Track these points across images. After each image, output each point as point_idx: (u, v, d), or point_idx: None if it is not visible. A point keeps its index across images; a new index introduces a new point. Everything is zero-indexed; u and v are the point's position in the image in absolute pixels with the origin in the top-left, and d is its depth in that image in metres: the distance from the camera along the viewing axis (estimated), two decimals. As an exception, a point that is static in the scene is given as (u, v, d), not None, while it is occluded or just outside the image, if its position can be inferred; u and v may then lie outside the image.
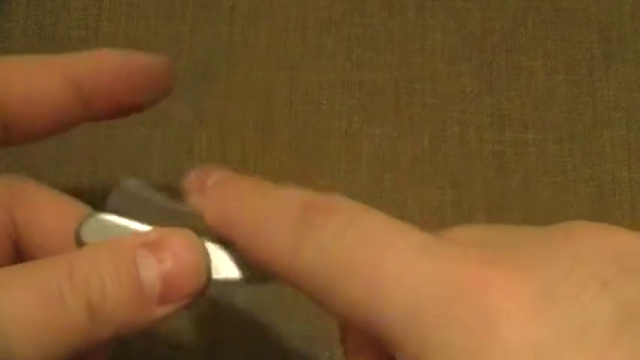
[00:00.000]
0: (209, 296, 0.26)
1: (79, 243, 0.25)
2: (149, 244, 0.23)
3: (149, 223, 0.25)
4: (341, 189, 0.33)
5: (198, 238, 0.24)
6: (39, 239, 0.26)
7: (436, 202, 0.35)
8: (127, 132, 0.35)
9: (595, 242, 0.20)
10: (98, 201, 0.27)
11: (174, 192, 0.26)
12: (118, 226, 0.25)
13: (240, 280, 0.25)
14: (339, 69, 0.38)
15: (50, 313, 0.22)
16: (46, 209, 0.27)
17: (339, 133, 0.37)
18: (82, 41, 0.39)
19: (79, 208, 0.26)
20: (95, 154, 0.35)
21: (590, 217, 0.35)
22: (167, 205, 0.26)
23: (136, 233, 0.25)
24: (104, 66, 0.26)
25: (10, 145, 0.27)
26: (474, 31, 0.38)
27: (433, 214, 0.35)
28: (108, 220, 0.26)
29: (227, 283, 0.25)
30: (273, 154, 0.35)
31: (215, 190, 0.25)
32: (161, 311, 0.23)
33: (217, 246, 0.25)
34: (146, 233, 0.25)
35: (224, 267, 0.25)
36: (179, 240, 0.24)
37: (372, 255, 0.21)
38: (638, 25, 0.38)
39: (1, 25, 0.39)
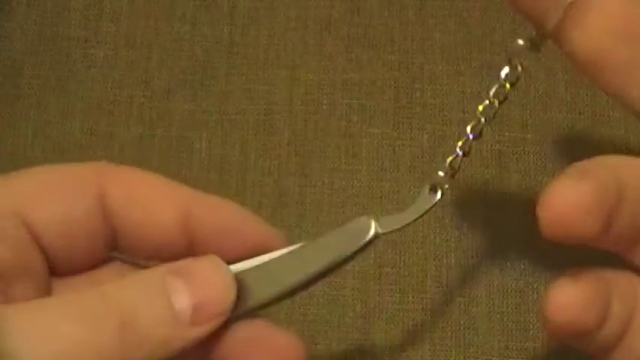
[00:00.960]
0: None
1: None
2: (177, 271, 0.24)
3: None
4: (340, 189, 0.34)
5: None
6: (136, 224, 0.26)
7: (436, 202, 0.35)
8: (127, 132, 0.35)
9: None
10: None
11: None
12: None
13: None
14: (339, 69, 0.38)
15: (86, 335, 0.22)
16: (148, 192, 0.26)
17: (338, 133, 0.37)
18: (83, 41, 0.39)
19: (181, 193, 0.26)
20: (95, 154, 0.35)
21: None
22: None
23: (165, 263, 0.25)
24: (221, 218, 0.26)
25: (114, 250, 0.27)
26: (473, 31, 0.38)
27: (433, 214, 0.34)
28: None
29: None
30: (273, 154, 0.35)
31: None
32: (194, 332, 0.24)
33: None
34: (174, 262, 0.25)
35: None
36: (206, 264, 0.25)
37: None
38: None
39: (1, 25, 0.39)
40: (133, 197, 0.26)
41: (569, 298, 0.25)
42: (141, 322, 0.23)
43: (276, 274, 0.26)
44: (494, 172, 0.34)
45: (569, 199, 0.23)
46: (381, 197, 0.35)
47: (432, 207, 0.26)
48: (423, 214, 0.27)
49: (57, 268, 0.26)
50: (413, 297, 0.34)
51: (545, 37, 0.27)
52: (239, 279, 0.25)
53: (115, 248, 0.27)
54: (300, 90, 0.38)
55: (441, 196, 0.26)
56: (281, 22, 0.39)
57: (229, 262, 0.26)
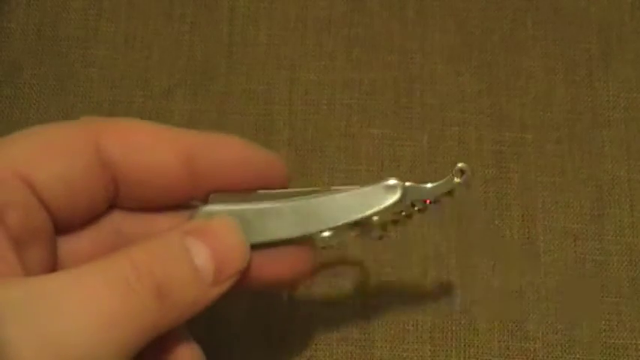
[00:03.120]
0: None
1: None
2: (194, 232, 0.24)
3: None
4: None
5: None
6: (138, 171, 0.26)
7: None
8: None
9: None
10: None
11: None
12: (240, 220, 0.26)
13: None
14: (339, 69, 0.38)
15: (122, 303, 0.23)
16: (144, 138, 0.26)
17: (338, 133, 0.37)
18: (82, 41, 0.39)
19: (181, 135, 0.26)
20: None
21: (589, 218, 0.37)
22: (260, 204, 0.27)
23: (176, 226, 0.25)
24: (224, 152, 0.27)
25: (116, 207, 0.27)
26: (473, 31, 0.39)
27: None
28: (217, 211, 0.26)
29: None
30: (272, 153, 0.35)
31: None
32: (215, 291, 0.24)
33: None
34: (185, 224, 0.25)
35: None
36: (222, 225, 0.25)
37: None
38: (637, 25, 0.39)
39: (1, 25, 0.39)
40: (132, 145, 0.26)
41: None
42: (173, 288, 0.24)
43: (284, 220, 0.26)
44: (493, 171, 0.34)
45: None
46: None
47: (454, 187, 0.27)
48: (445, 192, 0.27)
49: (59, 226, 0.26)
50: (413, 297, 0.35)
51: None
52: (247, 216, 0.26)
53: (114, 201, 0.27)
54: (300, 90, 0.38)
55: (466, 180, 0.27)
56: (280, 22, 0.39)
57: (236, 195, 0.26)
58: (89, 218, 0.27)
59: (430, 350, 0.34)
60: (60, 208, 0.26)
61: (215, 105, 0.37)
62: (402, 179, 0.27)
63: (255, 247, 0.26)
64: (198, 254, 0.24)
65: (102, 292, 0.23)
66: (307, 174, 0.34)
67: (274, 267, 0.28)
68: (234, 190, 0.27)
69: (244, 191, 0.27)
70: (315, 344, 0.34)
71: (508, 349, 0.34)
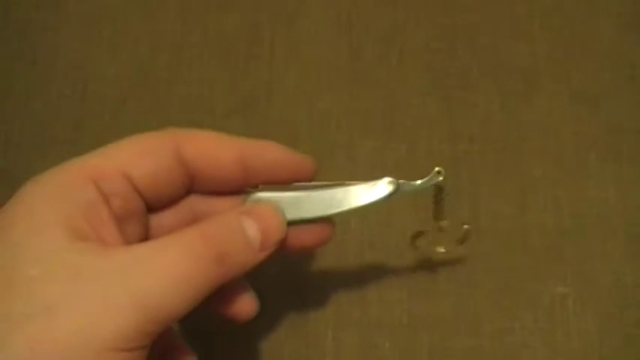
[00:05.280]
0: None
1: None
2: (247, 212, 0.27)
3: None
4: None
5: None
6: (208, 170, 0.28)
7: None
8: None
9: None
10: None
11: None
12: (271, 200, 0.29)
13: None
14: (343, 100, 0.41)
15: (191, 266, 0.25)
16: (211, 144, 0.28)
17: (343, 144, 0.40)
18: (172, 83, 0.42)
19: (237, 142, 0.28)
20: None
21: (515, 204, 0.38)
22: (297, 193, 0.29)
23: (233, 208, 0.28)
24: (268, 153, 0.28)
25: (192, 192, 0.29)
26: (436, 74, 0.42)
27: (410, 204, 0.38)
28: (263, 197, 0.29)
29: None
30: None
31: None
32: (262, 255, 0.27)
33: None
34: (241, 207, 0.28)
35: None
36: (267, 207, 0.28)
37: None
38: (552, 68, 0.41)
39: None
40: (201, 149, 0.28)
41: None
42: (230, 254, 0.26)
43: (312, 204, 0.29)
44: (450, 170, 0.32)
45: None
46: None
47: (436, 182, 0.30)
48: (428, 186, 0.30)
49: (150, 207, 0.28)
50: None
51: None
52: (285, 201, 0.28)
53: (191, 188, 0.29)
54: (317, 114, 0.41)
55: (442, 178, 0.30)
56: (303, 67, 0.42)
57: (277, 186, 0.29)
58: (172, 201, 0.29)
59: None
60: (151, 195, 0.28)
61: (258, 128, 0.40)
62: (394, 178, 0.30)
63: (290, 223, 0.29)
64: (250, 228, 0.27)
65: (177, 257, 0.24)
66: (322, 171, 0.32)
67: (305, 237, 0.30)
68: (276, 183, 0.29)
69: (284, 183, 0.29)
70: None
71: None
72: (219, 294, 0.27)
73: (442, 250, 0.35)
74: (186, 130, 0.28)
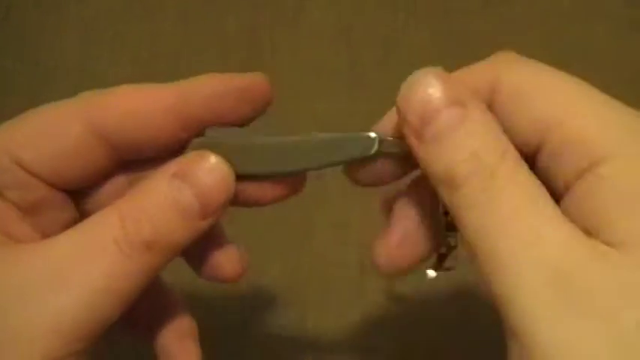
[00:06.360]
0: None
1: None
2: (177, 173, 0.23)
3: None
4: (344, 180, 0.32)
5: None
6: (136, 133, 0.24)
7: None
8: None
9: None
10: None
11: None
12: (221, 144, 0.24)
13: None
14: (342, 102, 0.42)
15: (114, 265, 0.22)
16: (131, 102, 0.24)
17: None
18: None
19: (163, 89, 0.24)
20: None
21: None
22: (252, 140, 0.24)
23: (168, 163, 0.23)
24: (207, 90, 0.24)
25: (121, 161, 0.25)
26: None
27: None
28: (212, 141, 0.24)
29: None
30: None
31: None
32: (204, 224, 0.23)
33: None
34: (171, 164, 0.23)
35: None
36: (201, 160, 0.23)
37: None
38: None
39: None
40: (120, 110, 0.24)
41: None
42: (161, 234, 0.22)
43: (272, 154, 0.24)
44: None
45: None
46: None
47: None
48: None
49: (72, 188, 0.25)
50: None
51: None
52: (236, 149, 0.24)
53: (124, 156, 0.25)
54: (318, 117, 0.42)
55: None
56: (304, 71, 0.43)
57: (229, 130, 0.24)
58: (100, 177, 0.25)
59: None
60: (58, 179, 0.24)
61: (256, 126, 0.35)
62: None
63: (243, 177, 0.24)
64: (183, 194, 0.22)
65: (95, 257, 0.21)
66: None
67: (265, 192, 0.25)
68: (226, 122, 0.24)
69: (236, 120, 0.24)
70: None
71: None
72: (199, 256, 0.25)
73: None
74: (100, 93, 0.24)
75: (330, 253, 0.39)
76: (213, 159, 0.23)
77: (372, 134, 0.24)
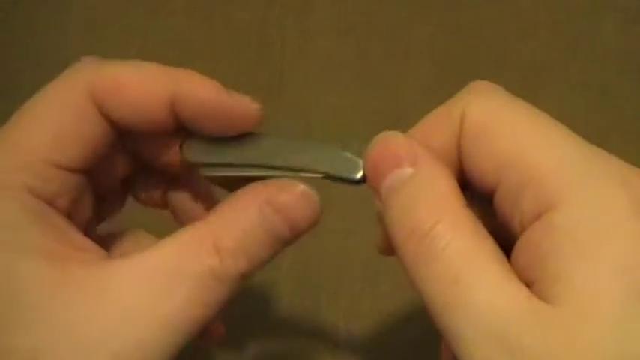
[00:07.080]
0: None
1: (184, 161, 0.25)
2: (273, 204, 0.22)
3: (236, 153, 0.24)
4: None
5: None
6: (129, 111, 0.23)
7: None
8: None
9: None
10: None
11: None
12: (218, 148, 0.24)
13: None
14: (351, 97, 0.43)
15: (214, 295, 0.22)
16: (129, 79, 0.23)
17: (350, 134, 0.38)
18: None
19: (161, 73, 0.23)
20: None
21: None
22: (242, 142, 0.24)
23: (256, 188, 0.23)
24: (200, 94, 0.23)
25: (120, 145, 0.25)
26: (442, 70, 0.43)
27: None
28: (208, 142, 0.24)
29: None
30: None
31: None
32: (286, 246, 0.23)
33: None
34: (258, 188, 0.23)
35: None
36: (298, 194, 0.23)
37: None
38: (558, 62, 0.42)
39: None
40: (121, 94, 0.23)
41: None
42: (255, 262, 0.23)
43: (263, 150, 0.24)
44: None
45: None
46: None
47: None
48: None
49: (81, 167, 0.24)
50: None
51: None
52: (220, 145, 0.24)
53: (117, 141, 0.24)
54: (327, 111, 0.42)
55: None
56: (313, 65, 0.44)
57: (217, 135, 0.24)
58: (104, 153, 0.24)
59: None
60: (72, 159, 0.23)
61: (266, 119, 0.38)
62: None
63: (231, 166, 0.24)
64: (277, 226, 0.23)
65: (186, 298, 0.21)
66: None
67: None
68: (209, 133, 0.24)
69: (219, 135, 0.24)
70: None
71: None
72: None
73: None
74: (101, 72, 0.23)
75: (340, 245, 0.39)
76: (301, 186, 0.23)
77: (361, 161, 0.23)
